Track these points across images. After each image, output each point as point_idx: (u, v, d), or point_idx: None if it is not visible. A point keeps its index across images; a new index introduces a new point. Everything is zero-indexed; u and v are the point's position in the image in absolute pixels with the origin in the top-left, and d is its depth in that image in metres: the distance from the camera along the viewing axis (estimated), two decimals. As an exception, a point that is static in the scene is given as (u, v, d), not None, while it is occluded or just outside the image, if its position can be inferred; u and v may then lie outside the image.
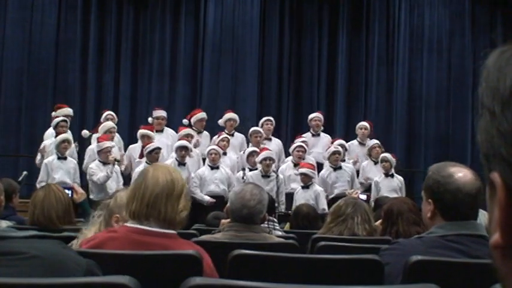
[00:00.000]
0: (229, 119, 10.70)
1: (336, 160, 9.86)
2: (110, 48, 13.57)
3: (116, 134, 10.48)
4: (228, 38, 13.72)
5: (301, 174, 9.36)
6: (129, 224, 2.57)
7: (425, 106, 13.84)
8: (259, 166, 9.51)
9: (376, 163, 10.24)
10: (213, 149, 9.66)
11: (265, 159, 9.35)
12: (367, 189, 10.03)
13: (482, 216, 3.39)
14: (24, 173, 9.63)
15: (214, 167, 9.61)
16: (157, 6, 13.74)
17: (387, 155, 10.04)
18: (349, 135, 11.29)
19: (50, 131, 10.13)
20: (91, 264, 1.58)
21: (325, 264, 2.56)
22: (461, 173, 2.56)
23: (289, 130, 13.17)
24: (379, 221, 4.27)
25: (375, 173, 10.14)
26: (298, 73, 14.04)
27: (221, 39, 13.71)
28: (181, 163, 9.45)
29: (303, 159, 9.96)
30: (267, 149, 9.70)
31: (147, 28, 13.71)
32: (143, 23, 13.73)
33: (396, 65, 13.97)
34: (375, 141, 10.58)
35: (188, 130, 10.19)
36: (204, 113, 10.89)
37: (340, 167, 9.89)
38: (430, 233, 2.55)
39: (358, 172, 10.32)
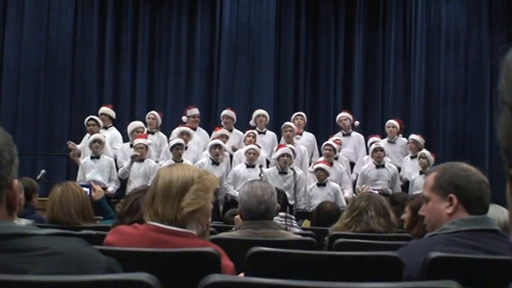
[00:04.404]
0: (258, 115, 10.69)
1: (378, 157, 9.76)
2: (126, 47, 13.62)
3: (159, 132, 10.61)
4: (244, 36, 13.72)
5: (317, 169, 9.34)
6: (149, 222, 2.59)
7: (442, 102, 13.76)
8: (276, 163, 9.53)
9: (412, 157, 10.19)
10: (252, 148, 9.65)
11: (282, 155, 9.35)
12: (405, 186, 9.98)
13: (501, 212, 3.37)
14: (42, 171, 9.68)
15: (250, 165, 9.62)
16: (174, 5, 13.77)
17: (426, 152, 9.93)
18: (367, 133, 11.25)
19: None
20: (112, 262, 1.58)
21: (343, 262, 2.55)
22: (472, 167, 2.62)
23: (306, 127, 13.14)
24: (406, 215, 4.23)
25: (409, 168, 10.15)
26: (315, 70, 14.02)
27: (237, 37, 13.71)
28: (215, 162, 9.51)
29: (334, 158, 9.94)
30: (284, 145, 9.70)
31: (164, 26, 13.75)
32: (159, 21, 13.77)
33: (413, 61, 13.91)
34: (412, 136, 10.54)
35: (223, 131, 10.25)
36: (229, 111, 10.91)
37: (383, 165, 9.81)
38: (442, 230, 2.54)
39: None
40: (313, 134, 11.18)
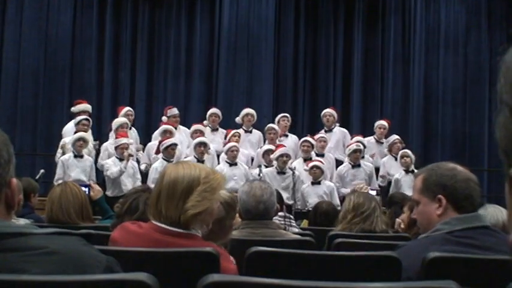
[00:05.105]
0: (247, 114, 10.70)
1: (356, 158, 9.76)
2: (125, 47, 13.62)
3: (133, 129, 10.63)
4: (244, 36, 13.72)
5: (313, 167, 9.30)
6: (154, 222, 2.56)
7: (441, 103, 13.76)
8: (275, 163, 9.50)
9: (396, 159, 10.19)
10: (234, 145, 9.63)
11: (281, 155, 9.33)
12: (386, 185, 9.98)
13: (500, 213, 3.37)
14: (42, 171, 9.67)
15: (232, 163, 9.60)
16: (173, 5, 13.77)
17: (407, 150, 9.98)
18: (366, 133, 11.24)
19: (69, 126, 10.19)
20: (111, 261, 1.58)
21: (342, 261, 2.55)
22: (459, 166, 2.62)
23: (304, 128, 13.14)
24: (403, 216, 4.24)
25: (396, 169, 10.09)
26: (314, 71, 14.01)
27: (236, 37, 13.71)
28: (199, 160, 9.46)
29: (320, 155, 9.93)
30: (283, 145, 9.68)
31: (163, 26, 13.74)
32: (159, 22, 13.76)
33: (412, 62, 13.90)
34: (396, 136, 10.53)
35: (199, 126, 10.25)
36: (216, 109, 10.94)
37: (359, 165, 9.81)
38: (435, 231, 2.54)
39: (377, 169, 10.27)
40: (311, 134, 11.15)
